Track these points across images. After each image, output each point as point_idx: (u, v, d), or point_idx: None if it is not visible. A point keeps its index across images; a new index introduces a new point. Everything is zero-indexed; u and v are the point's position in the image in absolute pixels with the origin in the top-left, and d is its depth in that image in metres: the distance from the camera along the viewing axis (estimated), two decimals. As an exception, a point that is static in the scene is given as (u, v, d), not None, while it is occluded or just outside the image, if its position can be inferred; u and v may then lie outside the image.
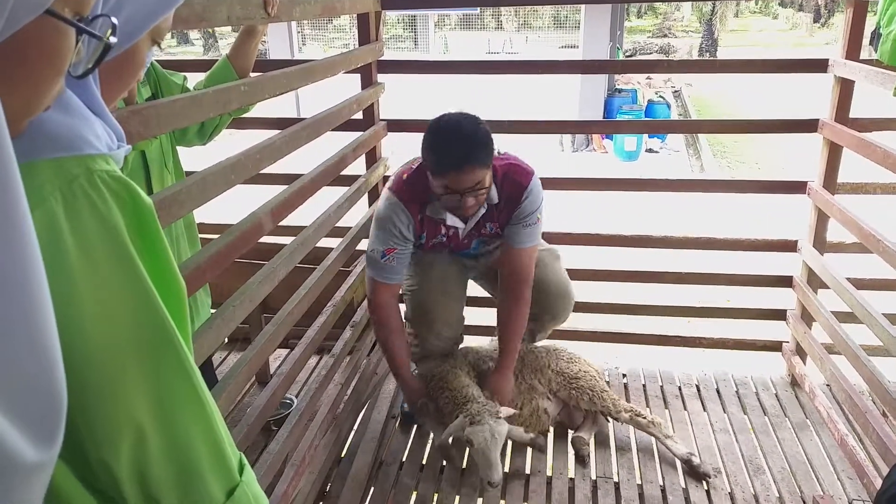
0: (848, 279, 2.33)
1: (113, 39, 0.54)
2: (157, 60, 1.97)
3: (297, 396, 2.63)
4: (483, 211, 2.16)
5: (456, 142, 1.95)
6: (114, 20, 0.54)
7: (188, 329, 0.66)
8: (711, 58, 17.58)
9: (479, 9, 18.28)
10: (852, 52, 2.31)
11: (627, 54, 18.91)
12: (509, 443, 2.34)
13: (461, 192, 2.00)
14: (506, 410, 2.14)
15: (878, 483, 2.00)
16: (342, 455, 2.38)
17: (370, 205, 2.76)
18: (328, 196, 2.29)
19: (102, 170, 0.57)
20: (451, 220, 2.17)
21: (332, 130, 2.28)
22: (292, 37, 11.54)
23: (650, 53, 21.24)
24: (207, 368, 2.46)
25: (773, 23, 29.27)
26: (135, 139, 1.18)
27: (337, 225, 2.30)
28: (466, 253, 2.38)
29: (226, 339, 3.00)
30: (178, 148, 1.97)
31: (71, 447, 0.55)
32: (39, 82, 0.50)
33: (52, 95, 0.53)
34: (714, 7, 22.31)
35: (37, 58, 0.49)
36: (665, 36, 26.08)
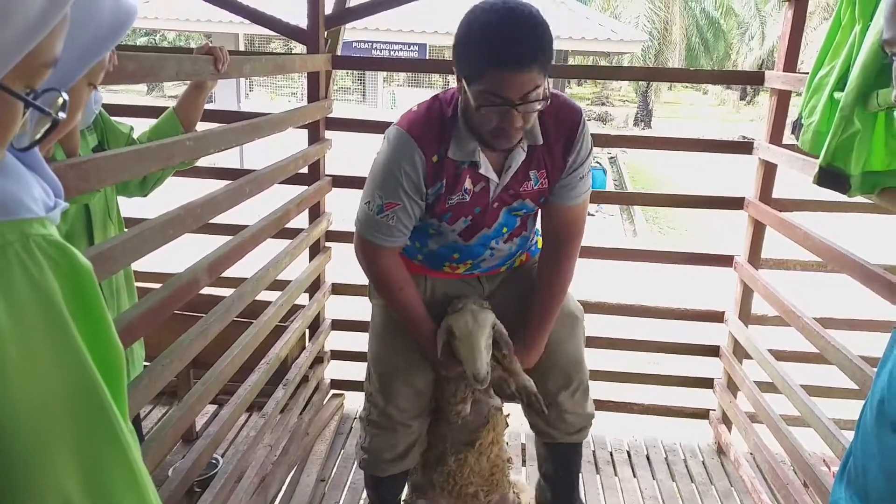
0: (770, 350, 2.43)
1: (62, 115, 0.53)
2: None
3: (222, 456, 2.53)
4: (522, 158, 1.63)
5: (517, 27, 1.39)
6: (64, 95, 0.54)
7: (124, 395, 0.65)
8: (648, 131, 18.42)
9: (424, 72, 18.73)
10: (776, 137, 2.47)
11: (568, 119, 19.56)
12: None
13: (512, 101, 1.44)
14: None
15: (799, 554, 2.05)
16: (268, 520, 2.29)
17: (311, 259, 2.74)
18: (269, 248, 2.26)
19: (38, 234, 0.56)
20: (484, 166, 1.61)
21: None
22: (239, 83, 11.53)
23: (589, 120, 22.08)
24: (134, 423, 2.34)
25: (703, 97, 31.02)
26: (73, 193, 1.15)
27: (276, 278, 2.27)
28: (477, 254, 1.80)
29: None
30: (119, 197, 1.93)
31: None
32: None
33: None
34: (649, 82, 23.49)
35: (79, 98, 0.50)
36: (603, 104, 27.25)
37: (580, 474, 2.16)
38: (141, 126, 1.95)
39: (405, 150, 1.58)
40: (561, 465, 2.09)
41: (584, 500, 2.17)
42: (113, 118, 1.84)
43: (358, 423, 2.82)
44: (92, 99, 1.63)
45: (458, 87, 1.54)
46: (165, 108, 1.92)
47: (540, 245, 1.91)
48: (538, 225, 1.88)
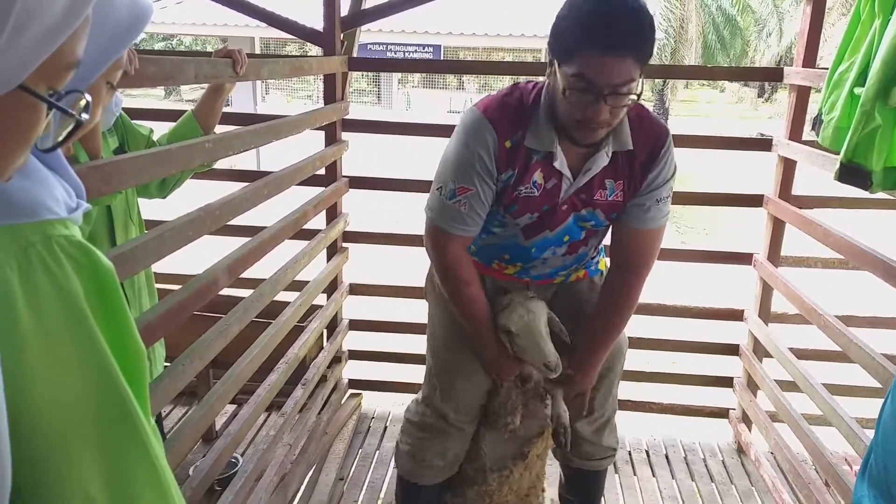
0: (790, 349, 2.41)
1: (85, 116, 0.54)
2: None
3: (242, 455, 2.55)
4: (604, 163, 1.54)
5: (618, 9, 1.32)
6: (87, 96, 0.54)
7: (146, 395, 0.65)
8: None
9: (440, 73, 18.80)
10: (795, 133, 2.45)
11: (583, 119, 19.50)
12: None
13: (601, 89, 1.36)
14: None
15: (822, 554, 2.03)
16: (288, 518, 2.30)
17: (328, 259, 2.75)
18: (287, 249, 2.28)
19: (60, 235, 0.56)
20: (560, 160, 1.53)
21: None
22: (255, 86, 11.62)
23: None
24: (157, 422, 2.37)
25: (721, 95, 30.73)
26: (95, 195, 1.17)
27: (295, 279, 2.28)
28: (530, 258, 1.72)
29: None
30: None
31: None
32: (5, 154, 0.50)
33: (15, 167, 0.52)
34: (665, 80, 23.34)
35: (5, 131, 0.49)
36: (619, 103, 27.01)
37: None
38: (160, 129, 1.98)
39: (479, 133, 1.52)
40: (578, 491, 2.08)
41: None
42: (133, 121, 1.87)
43: (392, 427, 2.85)
44: (113, 102, 1.66)
45: (549, 71, 1.47)
46: (184, 111, 1.95)
47: (602, 267, 1.85)
48: (603, 244, 1.80)
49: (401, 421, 2.83)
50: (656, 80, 23.45)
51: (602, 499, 2.41)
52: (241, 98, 11.24)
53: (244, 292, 2.03)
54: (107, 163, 1.22)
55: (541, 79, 1.56)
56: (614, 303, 1.70)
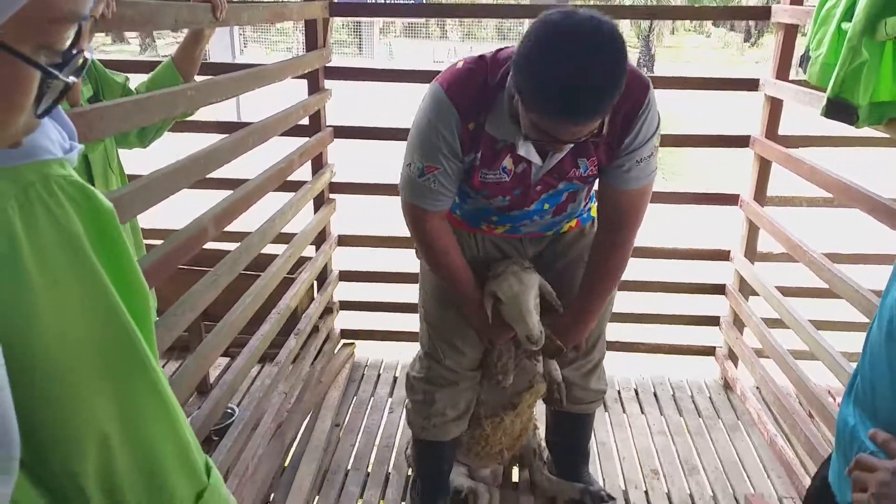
0: (776, 287, 2.45)
1: (72, 79, 0.50)
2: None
3: (238, 406, 2.58)
4: (569, 146, 1.48)
5: (587, 78, 1.21)
6: (87, 54, 0.52)
7: (152, 332, 0.66)
8: (649, 73, 18.11)
9: (424, 17, 18.44)
10: (782, 73, 2.44)
11: (569, 66, 19.35)
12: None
13: (563, 140, 1.37)
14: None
15: (807, 481, 2.10)
16: (286, 465, 2.35)
17: (315, 211, 2.74)
18: (273, 202, 2.27)
19: (59, 175, 0.55)
20: (525, 148, 1.49)
21: (278, 136, 2.27)
22: (234, 39, 11.36)
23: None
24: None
25: (707, 41, 30.39)
26: (79, 141, 1.15)
27: (282, 231, 2.28)
28: (517, 220, 1.72)
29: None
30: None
31: (33, 457, 0.54)
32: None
33: (16, 133, 0.50)
34: (651, 24, 23.04)
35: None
36: (605, 50, 26.69)
37: (589, 446, 2.20)
38: (136, 82, 1.93)
39: (441, 112, 1.48)
40: (567, 434, 2.14)
41: (592, 478, 2.18)
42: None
43: (385, 374, 2.88)
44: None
45: (510, 83, 1.38)
46: (160, 62, 1.90)
47: (594, 213, 1.80)
48: (595, 190, 1.76)
49: (394, 368, 2.88)
50: (642, 26, 23.14)
51: (593, 435, 2.49)
52: (218, 50, 10.99)
53: (232, 246, 2.02)
54: (89, 110, 1.20)
55: (512, 46, 1.44)
56: (604, 263, 1.70)
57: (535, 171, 1.55)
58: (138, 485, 0.61)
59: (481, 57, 1.50)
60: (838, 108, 1.68)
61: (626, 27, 28.14)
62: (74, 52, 0.49)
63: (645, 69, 22.47)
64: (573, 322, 1.76)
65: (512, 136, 1.47)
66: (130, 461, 0.60)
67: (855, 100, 1.64)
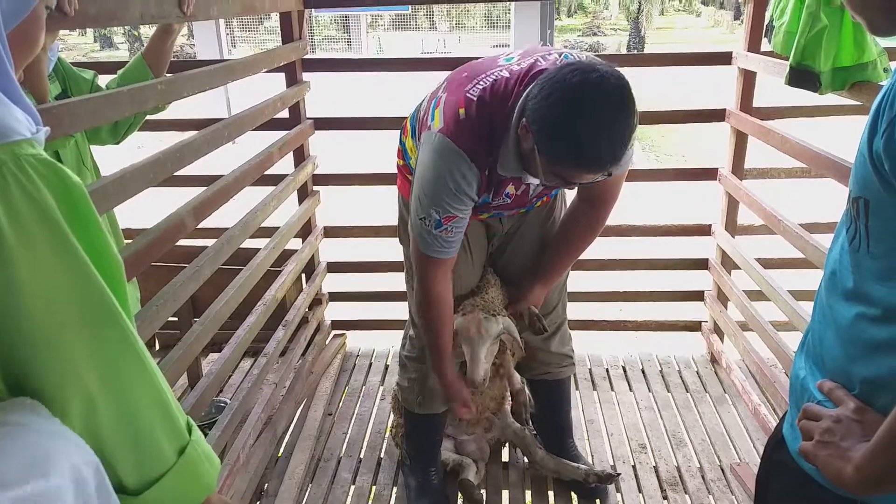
0: (757, 259, 2.47)
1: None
2: (78, 63, 1.94)
3: (230, 399, 2.61)
4: None
5: (601, 137, 1.34)
6: (51, 54, 0.60)
7: (127, 301, 0.69)
8: (627, 52, 18.12)
9: (409, 8, 18.39)
10: (754, 45, 2.45)
11: (558, 53, 19.29)
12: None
13: (582, 184, 1.54)
14: (506, 322, 1.85)
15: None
16: (279, 454, 2.38)
17: (300, 203, 2.76)
18: (256, 198, 2.29)
19: (29, 154, 0.59)
20: (529, 177, 1.61)
21: (258, 130, 2.29)
22: (221, 38, 11.34)
23: (581, 52, 21.75)
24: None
25: (697, 20, 30.33)
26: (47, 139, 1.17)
27: (265, 225, 2.30)
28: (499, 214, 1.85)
29: (157, 347, 2.96)
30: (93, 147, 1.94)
31: None
32: (24, 61, 0.66)
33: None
34: (640, 5, 22.99)
35: (33, 41, 0.65)
36: (595, 34, 26.69)
37: (570, 418, 2.24)
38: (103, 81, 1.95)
39: (458, 165, 1.52)
40: (544, 404, 2.19)
41: (579, 452, 2.23)
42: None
43: (377, 362, 2.91)
44: (50, 51, 1.64)
45: (524, 132, 1.45)
46: (125, 62, 1.92)
47: None
48: None
49: (385, 356, 2.91)
50: (631, 8, 23.09)
51: (581, 413, 2.52)
52: (207, 51, 10.98)
53: (211, 243, 2.03)
54: (57, 106, 1.22)
55: (504, 74, 1.53)
56: (577, 234, 1.84)
57: (533, 189, 1.70)
58: (123, 443, 0.64)
59: (480, 101, 1.52)
60: (801, 76, 1.70)
61: (615, 10, 28.10)
62: None
63: (635, 51, 22.42)
64: (536, 285, 1.89)
65: (519, 172, 1.56)
66: (115, 421, 0.63)
67: (817, 66, 1.66)
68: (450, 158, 1.52)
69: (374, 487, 2.23)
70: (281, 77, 2.57)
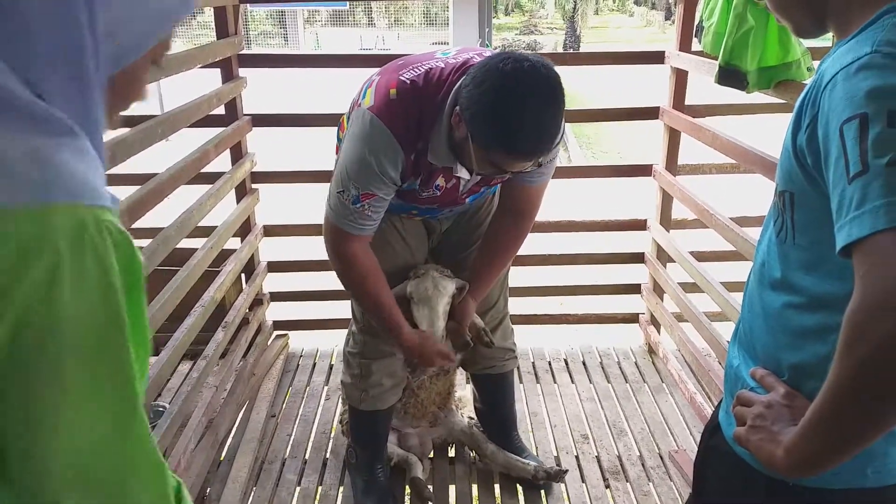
0: (691, 253, 2.56)
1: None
2: None
3: (170, 404, 2.54)
4: None
5: (532, 124, 1.36)
6: None
7: (147, 373, 0.68)
8: (564, 52, 18.45)
9: (347, 4, 18.24)
10: (685, 45, 2.53)
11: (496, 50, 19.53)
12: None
13: (513, 172, 1.53)
14: (459, 283, 1.87)
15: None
16: (221, 458, 2.33)
17: (238, 201, 2.71)
18: (192, 198, 2.23)
19: (109, 220, 0.56)
20: (461, 170, 1.60)
21: (193, 127, 2.22)
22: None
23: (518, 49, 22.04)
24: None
25: (630, 20, 31.14)
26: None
27: (202, 225, 2.24)
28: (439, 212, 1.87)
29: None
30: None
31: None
32: (123, 109, 0.66)
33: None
34: (576, 5, 23.42)
35: (137, 89, 0.66)
36: (532, 33, 27.07)
37: (515, 411, 2.27)
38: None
39: (384, 145, 1.52)
40: (489, 399, 2.22)
41: (524, 444, 2.26)
42: None
43: (321, 362, 2.89)
44: None
45: (455, 119, 1.46)
46: None
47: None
48: None
49: (328, 357, 2.89)
50: (567, 8, 23.50)
51: (525, 406, 2.56)
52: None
53: (146, 244, 1.98)
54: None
55: (441, 65, 1.55)
56: (505, 246, 1.87)
57: (463, 184, 1.69)
58: None
59: (413, 84, 1.53)
60: (729, 75, 1.77)
61: (551, 9, 28.55)
62: None
63: (571, 49, 22.84)
64: (466, 299, 1.88)
65: (450, 161, 1.56)
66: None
67: (744, 66, 1.73)
68: (376, 136, 1.52)
69: (320, 488, 2.21)
70: (216, 73, 2.51)
